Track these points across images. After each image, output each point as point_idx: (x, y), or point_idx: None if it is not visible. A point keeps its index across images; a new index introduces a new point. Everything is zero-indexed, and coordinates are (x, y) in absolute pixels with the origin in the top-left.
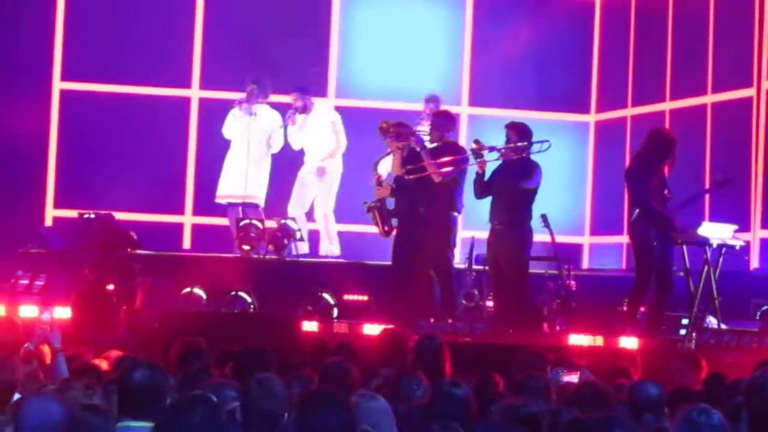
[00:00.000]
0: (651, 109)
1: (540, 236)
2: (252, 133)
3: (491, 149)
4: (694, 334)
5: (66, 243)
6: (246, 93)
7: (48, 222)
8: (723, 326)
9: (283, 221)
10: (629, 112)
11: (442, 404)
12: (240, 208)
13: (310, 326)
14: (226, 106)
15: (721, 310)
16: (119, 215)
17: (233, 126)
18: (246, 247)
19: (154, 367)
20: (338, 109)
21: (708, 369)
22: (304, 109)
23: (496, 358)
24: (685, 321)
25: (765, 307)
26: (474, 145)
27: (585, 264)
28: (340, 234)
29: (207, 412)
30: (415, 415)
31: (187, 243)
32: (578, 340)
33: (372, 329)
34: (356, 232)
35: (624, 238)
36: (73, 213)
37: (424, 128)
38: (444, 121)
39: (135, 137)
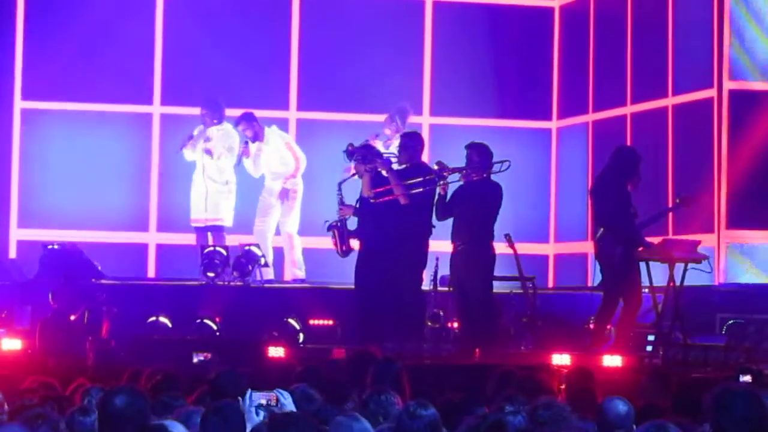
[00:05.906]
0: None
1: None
2: (207, 157)
3: (453, 171)
4: (661, 350)
5: (30, 274)
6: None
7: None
8: (689, 341)
9: (247, 247)
10: (590, 117)
11: (409, 426)
12: (208, 233)
13: (276, 352)
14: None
15: (687, 325)
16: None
17: (190, 149)
18: (210, 274)
19: (134, 392)
20: (301, 121)
21: (676, 385)
22: (256, 137)
23: (463, 380)
24: (651, 337)
25: (731, 322)
26: (436, 167)
27: (550, 282)
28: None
29: None
30: None
31: (151, 270)
32: (545, 358)
33: (338, 353)
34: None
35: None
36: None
37: (391, 150)
38: (413, 142)
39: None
